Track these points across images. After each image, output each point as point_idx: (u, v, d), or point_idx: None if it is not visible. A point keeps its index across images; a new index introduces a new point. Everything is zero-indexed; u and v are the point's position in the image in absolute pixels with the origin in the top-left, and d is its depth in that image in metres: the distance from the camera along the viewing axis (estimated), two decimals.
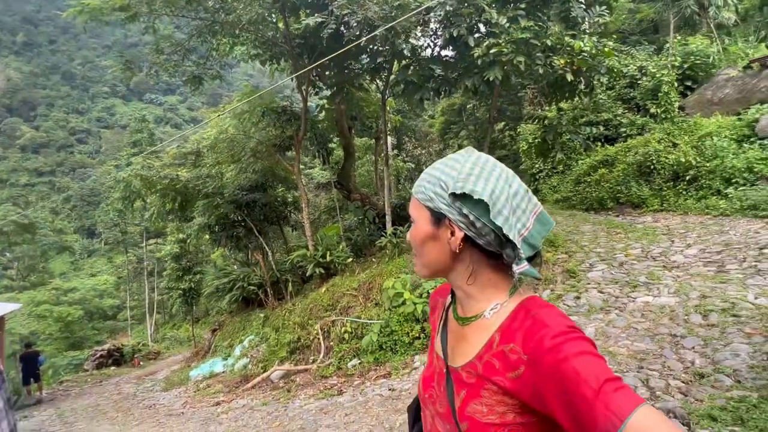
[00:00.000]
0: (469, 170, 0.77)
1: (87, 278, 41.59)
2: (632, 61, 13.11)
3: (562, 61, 6.96)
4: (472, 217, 0.75)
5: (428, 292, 6.55)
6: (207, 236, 13.92)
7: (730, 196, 7.88)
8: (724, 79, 11.02)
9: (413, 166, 17.28)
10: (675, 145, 9.51)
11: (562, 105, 10.65)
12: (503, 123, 12.99)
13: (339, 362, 6.71)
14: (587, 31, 7.93)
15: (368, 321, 6.86)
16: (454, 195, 0.76)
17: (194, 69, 10.34)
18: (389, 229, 9.36)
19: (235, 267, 14.03)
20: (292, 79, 10.78)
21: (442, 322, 0.92)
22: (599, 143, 12.03)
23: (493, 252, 0.78)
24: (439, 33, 8.69)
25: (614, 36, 8.97)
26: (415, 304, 6.37)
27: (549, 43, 6.79)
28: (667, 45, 12.81)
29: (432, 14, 7.64)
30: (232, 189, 11.85)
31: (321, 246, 10.07)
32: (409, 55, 8.35)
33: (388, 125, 12.49)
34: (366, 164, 16.88)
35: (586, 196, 10.45)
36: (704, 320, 4.23)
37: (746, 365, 3.27)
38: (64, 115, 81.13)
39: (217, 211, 11.87)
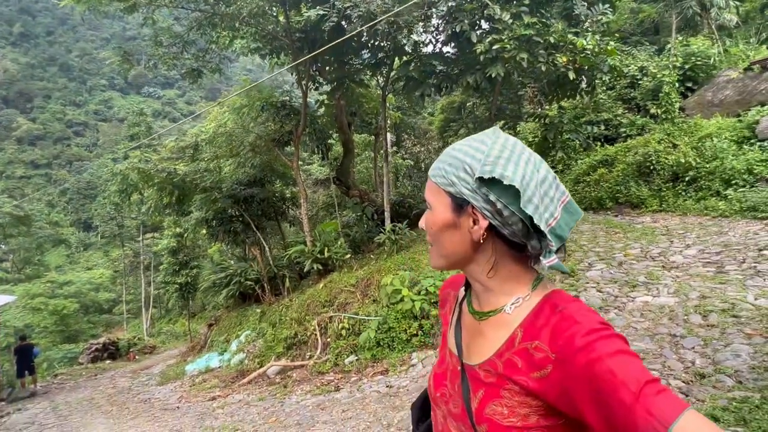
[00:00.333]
0: (498, 152, 0.70)
1: (83, 271, 41.40)
2: (633, 61, 13.09)
3: (565, 59, 6.92)
4: (499, 205, 0.68)
5: (426, 290, 6.52)
6: (204, 231, 13.85)
7: (729, 197, 7.88)
8: (724, 81, 11.02)
9: (412, 163, 17.23)
10: (675, 145, 9.51)
11: (563, 104, 10.61)
12: (503, 121, 12.95)
13: (336, 358, 6.68)
14: (589, 29, 7.87)
15: (366, 317, 6.83)
16: (481, 180, 0.69)
17: (193, 62, 10.24)
18: (388, 225, 9.32)
19: (232, 262, 13.97)
20: (292, 74, 10.71)
21: (455, 317, 0.86)
22: (599, 143, 12.02)
23: (516, 243, 0.72)
24: (441, 29, 8.64)
25: (616, 35, 8.92)
26: (413, 301, 6.34)
27: (552, 40, 6.75)
28: (669, 46, 12.80)
29: (434, 9, 7.58)
30: (230, 183, 11.78)
31: (319, 242, 10.02)
32: (410, 50, 8.29)
33: (388, 122, 12.43)
34: (365, 161, 16.83)
35: (585, 195, 10.44)
36: (704, 320, 4.22)
37: (747, 366, 3.26)
38: (61, 108, 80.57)
39: (215, 205, 11.79)
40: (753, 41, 13.17)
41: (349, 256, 9.67)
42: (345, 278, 8.31)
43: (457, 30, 7.16)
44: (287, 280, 10.73)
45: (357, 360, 6.41)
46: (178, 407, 7.09)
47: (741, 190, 7.87)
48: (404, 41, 7.46)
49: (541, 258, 0.71)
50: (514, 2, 7.08)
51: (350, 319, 7.06)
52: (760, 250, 5.61)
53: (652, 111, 11.41)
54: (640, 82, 12.43)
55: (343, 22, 8.01)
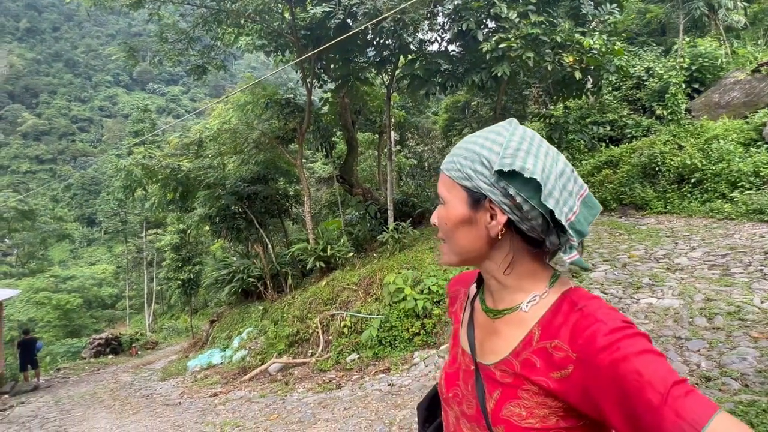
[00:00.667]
0: (517, 144, 0.68)
1: (86, 267, 41.61)
2: (639, 61, 13.02)
3: (571, 59, 6.88)
4: (519, 199, 0.66)
5: (429, 289, 6.51)
6: (207, 227, 13.89)
7: (735, 199, 7.82)
8: (731, 82, 10.93)
9: (416, 162, 17.21)
10: (681, 147, 9.45)
11: (569, 104, 10.57)
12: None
13: (338, 356, 6.68)
14: (596, 29, 7.83)
15: (368, 316, 6.82)
16: (500, 173, 0.66)
17: (198, 59, 10.26)
18: (391, 224, 9.31)
19: (235, 259, 13.99)
20: (296, 71, 10.70)
21: (467, 315, 0.84)
22: (604, 144, 11.96)
23: (534, 239, 0.69)
24: (446, 27, 8.61)
25: (623, 35, 8.87)
26: (416, 300, 6.33)
27: (558, 39, 6.71)
28: (675, 46, 12.71)
29: (440, 7, 7.56)
30: (233, 180, 11.79)
31: (322, 240, 10.02)
32: (415, 49, 8.27)
33: (392, 120, 12.41)
34: (368, 159, 16.81)
35: None
36: (709, 323, 4.18)
37: (754, 369, 3.23)
38: (66, 103, 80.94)
39: (218, 202, 11.81)
40: (761, 43, 13.06)
41: (351, 254, 9.66)
42: (347, 276, 8.30)
43: (463, 28, 7.13)
44: (290, 277, 10.74)
45: (359, 358, 6.40)
46: (179, 403, 7.11)
47: (747, 192, 7.81)
48: (409, 39, 7.44)
49: (561, 254, 0.69)
50: (521, 1, 7.04)
51: (352, 317, 7.06)
52: (767, 252, 5.57)
53: (658, 112, 11.34)
54: (646, 82, 12.36)
55: (349, 20, 7.99)
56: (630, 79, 12.30)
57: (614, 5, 7.70)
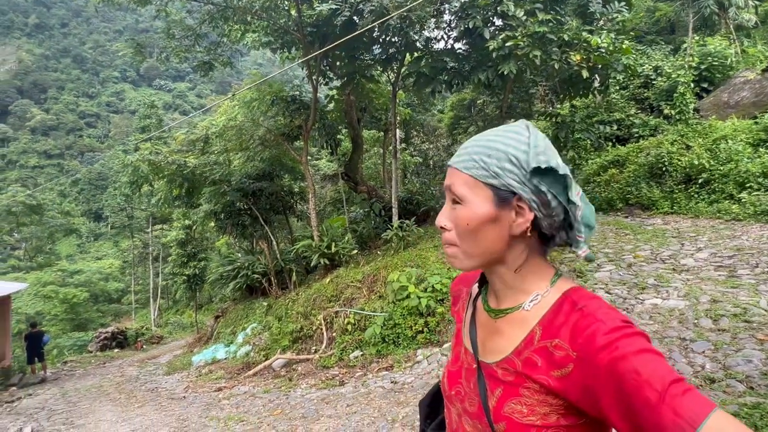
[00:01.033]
0: (543, 144, 0.70)
1: (93, 261, 42.05)
2: (648, 60, 12.91)
3: (578, 57, 6.84)
4: (549, 196, 0.67)
5: (433, 287, 6.51)
6: (213, 223, 13.95)
7: (743, 200, 7.75)
8: (741, 82, 10.82)
9: (421, 160, 17.18)
10: (688, 147, 9.37)
11: (575, 102, 10.51)
12: (513, 120, 12.89)
13: (341, 353, 6.70)
14: (604, 27, 7.76)
15: (372, 313, 6.84)
16: (537, 170, 0.67)
17: (204, 55, 10.29)
18: (395, 222, 9.32)
19: (240, 255, 14.06)
20: (302, 68, 10.71)
21: (469, 314, 0.85)
22: (611, 143, 11.88)
23: (545, 235, 0.71)
24: (453, 25, 8.58)
25: (631, 34, 8.79)
26: (419, 298, 6.34)
27: (566, 37, 6.67)
28: (685, 45, 12.59)
29: (447, 5, 7.53)
30: (239, 177, 11.84)
31: (326, 237, 10.05)
32: (421, 46, 8.25)
33: (397, 118, 12.40)
34: (373, 157, 16.81)
35: (596, 196, 10.34)
36: (715, 325, 4.16)
37: (759, 372, 3.21)
38: (74, 99, 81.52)
39: (224, 198, 11.86)
40: None
41: (355, 251, 9.68)
42: (351, 274, 8.32)
43: (470, 26, 7.11)
44: (294, 274, 10.78)
45: (362, 355, 6.43)
46: (184, 397, 7.17)
47: (755, 193, 7.74)
48: (416, 37, 7.43)
49: (574, 249, 0.71)
50: None
51: (356, 314, 7.08)
52: None
53: (666, 111, 11.25)
54: (654, 82, 12.25)
55: (355, 17, 7.98)
56: (638, 78, 12.20)
57: (622, 3, 7.64)
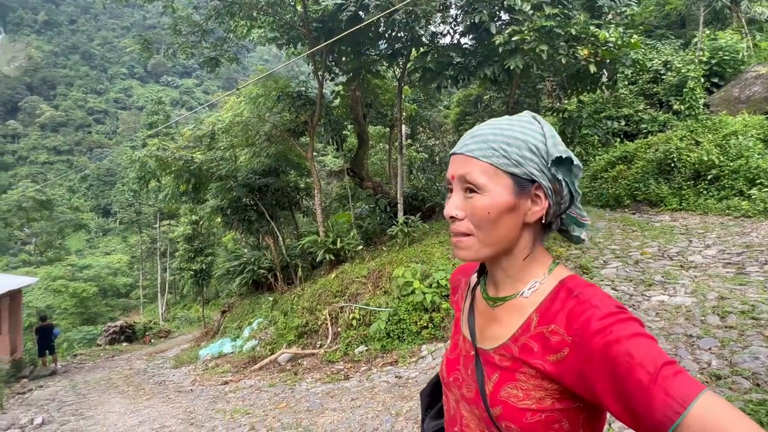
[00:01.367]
0: (555, 134, 0.73)
1: (102, 256, 42.52)
2: (657, 55, 12.74)
3: (586, 52, 6.76)
4: (563, 184, 0.71)
5: (438, 283, 6.52)
6: (219, 219, 14.05)
7: (753, 197, 7.65)
8: (753, 77, 10.65)
9: (426, 156, 17.14)
10: (698, 143, 9.25)
11: (583, 98, 10.41)
12: None
13: (346, 348, 6.74)
14: (612, 21, 7.67)
15: (377, 309, 6.86)
16: (558, 159, 0.70)
17: (211, 51, 10.32)
18: (401, 218, 9.32)
19: (246, 250, 14.16)
20: (308, 64, 10.71)
21: (467, 303, 0.86)
22: (618, 139, 11.76)
23: (549, 223, 0.74)
24: (459, 19, 8.52)
25: (640, 28, 8.69)
26: (424, 293, 6.35)
27: (573, 32, 6.59)
28: (695, 39, 12.40)
29: (453, 0, 7.48)
30: (245, 172, 11.90)
31: (332, 233, 10.08)
32: (427, 41, 8.21)
33: (403, 114, 12.36)
34: (379, 153, 16.79)
35: (603, 192, 10.26)
36: (722, 321, 4.12)
37: (765, 368, 3.18)
38: (82, 95, 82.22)
39: (230, 194, 11.93)
40: None
41: (361, 247, 9.71)
42: (357, 269, 8.35)
43: (476, 21, 7.05)
44: (300, 269, 10.84)
45: (367, 350, 6.46)
46: (191, 390, 7.26)
47: (766, 189, 7.64)
48: (421, 32, 7.39)
49: (577, 233, 0.76)
50: None
51: (361, 309, 7.11)
52: None
53: (675, 107, 11.11)
54: (663, 76, 12.09)
55: (361, 12, 7.96)
56: (647, 72, 12.06)
57: None
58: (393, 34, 8.76)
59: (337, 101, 12.09)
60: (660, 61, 12.38)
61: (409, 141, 15.82)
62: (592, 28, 6.84)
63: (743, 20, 13.00)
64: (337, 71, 11.17)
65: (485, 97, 15.37)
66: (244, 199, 12.04)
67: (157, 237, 28.38)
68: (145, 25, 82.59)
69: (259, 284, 12.22)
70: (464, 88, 14.89)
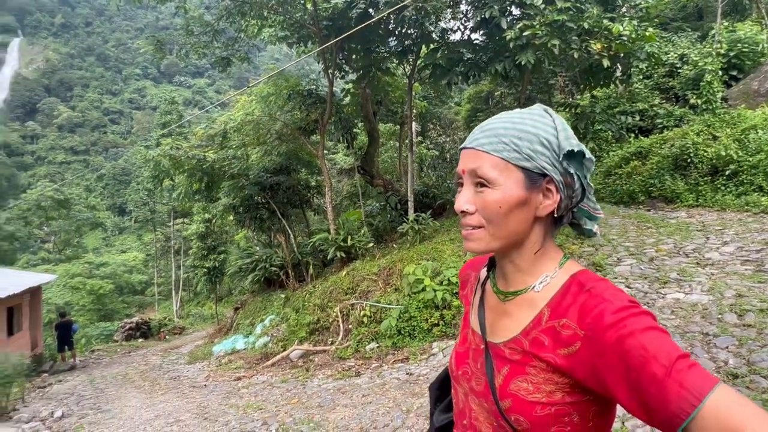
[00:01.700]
0: (568, 127, 0.72)
1: (118, 254, 43.37)
2: (673, 48, 12.46)
3: (599, 46, 6.65)
4: (576, 177, 0.70)
5: (449, 280, 6.50)
6: (231, 217, 14.20)
7: None
8: None
9: (437, 153, 17.07)
10: (715, 137, 9.04)
11: (596, 93, 10.25)
12: None
13: (357, 345, 6.77)
14: (626, 14, 7.52)
15: (387, 306, 6.88)
16: (570, 153, 0.69)
17: (223, 51, 10.43)
18: (411, 215, 9.31)
19: (258, 248, 14.28)
20: (318, 62, 10.75)
21: (477, 297, 0.86)
22: (633, 134, 11.55)
23: (559, 217, 0.74)
24: (469, 15, 8.45)
25: (655, 21, 8.50)
26: (435, 291, 6.34)
27: (586, 26, 6.49)
28: (713, 32, 12.10)
29: None
30: (256, 171, 12.00)
31: (342, 230, 10.12)
32: (437, 38, 8.17)
33: (414, 111, 12.32)
34: (390, 150, 16.78)
35: (616, 188, 10.09)
36: (739, 320, 4.04)
37: None
38: (98, 96, 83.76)
39: (242, 192, 12.05)
40: None
41: (371, 244, 9.72)
42: (367, 266, 8.37)
43: (487, 16, 6.99)
44: (311, 267, 10.90)
45: (378, 347, 6.48)
46: (205, 385, 7.38)
47: None
48: (432, 28, 7.36)
49: (587, 227, 0.76)
50: None
51: (372, 306, 7.13)
52: None
53: (692, 101, 10.87)
54: (679, 70, 11.84)
55: (371, 9, 7.95)
56: (662, 66, 11.80)
57: None
58: (403, 31, 8.73)
59: (347, 99, 12.11)
60: (676, 55, 12.12)
61: (419, 138, 15.78)
62: (605, 21, 6.72)
63: (763, 11, 12.64)
64: (347, 69, 11.19)
65: (496, 94, 15.23)
66: (255, 198, 12.15)
67: (171, 235, 28.82)
68: (158, 26, 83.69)
69: (271, 281, 12.33)
70: (475, 85, 14.77)
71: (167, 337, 18.77)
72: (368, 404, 4.57)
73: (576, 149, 0.69)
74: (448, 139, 17.50)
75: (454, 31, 9.10)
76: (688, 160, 9.08)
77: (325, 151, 12.14)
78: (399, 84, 12.45)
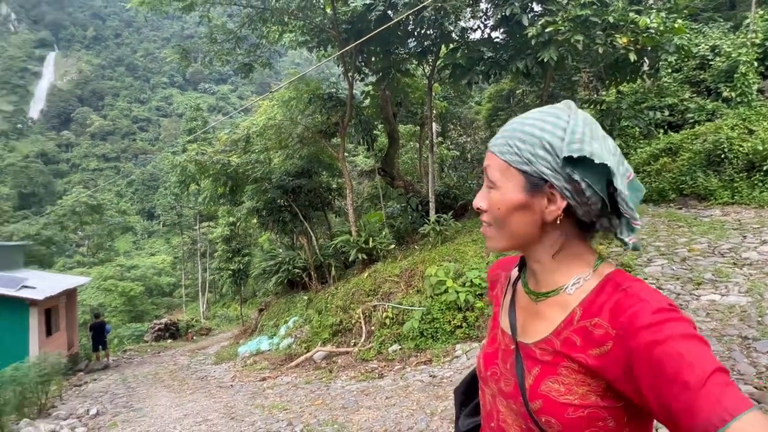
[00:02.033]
0: (582, 129, 0.67)
1: (147, 257, 44.82)
2: (704, 39, 11.99)
3: (625, 40, 6.46)
4: (583, 185, 0.66)
5: (471, 281, 6.43)
6: (255, 220, 14.46)
7: None
8: None
9: (458, 153, 16.93)
10: (751, 131, 8.64)
11: (622, 88, 9.95)
12: None
13: (380, 347, 6.77)
14: (654, 6, 7.28)
15: (410, 308, 6.85)
16: (569, 159, 0.65)
17: (245, 57, 10.65)
18: (432, 216, 9.26)
19: (281, 250, 14.50)
20: (338, 66, 10.84)
21: (508, 297, 0.85)
22: (662, 130, 11.16)
23: (584, 222, 0.70)
24: (489, 13, 8.36)
25: (684, 12, 8.19)
26: (457, 292, 6.28)
27: (611, 20, 6.32)
28: (747, 21, 11.57)
29: None
30: (279, 174, 12.19)
31: (364, 232, 10.15)
32: (457, 37, 8.10)
33: (434, 112, 12.27)
34: (410, 151, 16.75)
35: (646, 186, 9.72)
36: None
37: None
38: (127, 105, 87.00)
39: (265, 195, 12.27)
40: None
41: (393, 246, 9.72)
42: (389, 268, 8.37)
43: (507, 14, 6.89)
44: (333, 268, 10.98)
45: (400, 349, 6.46)
46: (231, 385, 7.52)
47: None
48: (451, 28, 7.31)
49: (620, 236, 0.69)
50: None
51: (394, 308, 7.12)
52: None
53: (725, 94, 10.42)
54: (711, 62, 11.37)
55: (390, 11, 7.96)
56: (693, 59, 11.37)
57: None
58: (422, 31, 8.71)
59: (367, 101, 12.16)
60: (707, 46, 11.65)
61: (440, 139, 15.69)
62: (631, 14, 6.52)
63: None
64: (366, 71, 11.24)
65: (518, 92, 14.99)
66: (278, 201, 12.34)
67: (197, 238, 29.57)
68: (183, 35, 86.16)
69: (294, 283, 12.48)
70: (496, 83, 14.58)
71: (194, 337, 19.25)
72: (392, 406, 4.56)
73: (576, 155, 0.64)
74: (468, 139, 17.33)
75: (474, 30, 9.02)
76: (722, 156, 8.70)
77: (346, 154, 12.22)
78: (418, 85, 12.43)
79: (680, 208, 8.66)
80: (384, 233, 10.11)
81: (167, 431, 5.39)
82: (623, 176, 0.68)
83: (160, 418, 6.02)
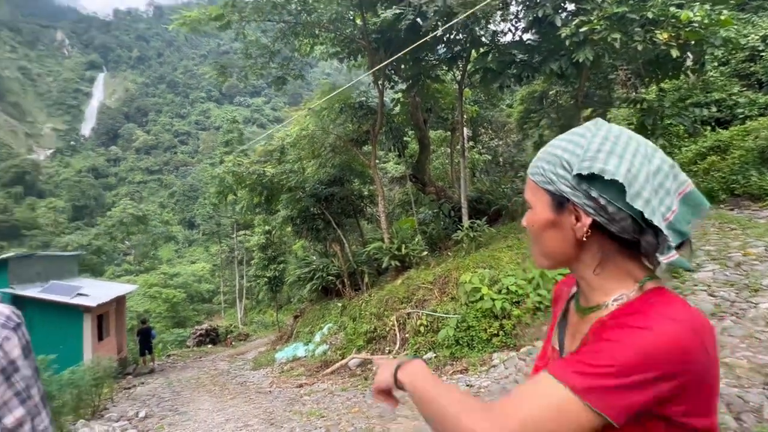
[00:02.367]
0: (598, 146, 0.67)
1: (188, 265, 46.68)
2: (754, 30, 11.28)
3: (666, 35, 6.18)
4: (603, 201, 0.66)
5: (507, 289, 6.30)
6: (289, 228, 14.80)
7: None
8: None
9: (490, 158, 16.68)
10: None
11: (664, 85, 9.51)
12: (591, 109, 11.96)
13: (415, 354, 6.72)
14: None
15: (444, 315, 6.78)
16: (579, 176, 0.67)
17: (278, 70, 11.00)
18: (465, 222, 9.15)
19: (315, 258, 14.73)
20: (369, 76, 10.99)
21: (562, 313, 0.86)
22: (709, 127, 10.56)
23: (627, 239, 0.68)
24: (520, 15, 8.23)
25: (731, 2, 7.76)
26: (493, 300, 6.17)
27: (650, 15, 6.07)
28: None
29: None
30: (312, 183, 12.44)
31: (396, 239, 10.17)
32: (488, 41, 8.03)
33: (464, 116, 12.17)
34: (441, 157, 16.66)
35: None
36: None
37: None
38: (169, 120, 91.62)
39: (299, 204, 12.54)
40: None
41: (426, 253, 9.67)
42: (422, 275, 8.32)
43: (539, 15, 6.77)
44: (366, 275, 11.04)
45: (436, 357, 6.40)
46: (270, 391, 7.68)
47: None
48: (481, 32, 7.26)
49: (657, 254, 0.66)
50: None
51: (428, 316, 7.07)
52: None
53: None
54: (762, 53, 10.69)
55: (419, 20, 8.00)
56: (741, 51, 10.72)
57: None
58: (452, 37, 8.70)
59: (397, 108, 12.24)
60: (757, 37, 10.95)
61: (471, 143, 15.52)
62: (672, 9, 6.24)
63: None
64: (396, 79, 11.32)
65: (551, 93, 14.61)
66: (311, 209, 12.59)
67: (234, 246, 30.53)
68: (219, 52, 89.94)
69: (328, 290, 12.64)
70: (528, 85, 14.29)
71: (233, 343, 19.82)
72: None
73: (585, 173, 0.65)
74: (500, 143, 17.05)
75: (505, 34, 8.94)
76: None
77: (377, 161, 12.32)
78: (449, 90, 12.38)
79: (732, 209, 8.14)
80: (417, 240, 10.09)
81: None
82: (673, 192, 0.67)
83: (203, 422, 6.23)
